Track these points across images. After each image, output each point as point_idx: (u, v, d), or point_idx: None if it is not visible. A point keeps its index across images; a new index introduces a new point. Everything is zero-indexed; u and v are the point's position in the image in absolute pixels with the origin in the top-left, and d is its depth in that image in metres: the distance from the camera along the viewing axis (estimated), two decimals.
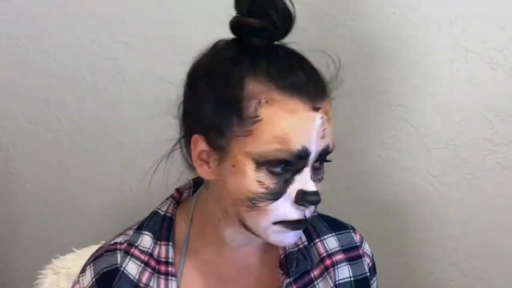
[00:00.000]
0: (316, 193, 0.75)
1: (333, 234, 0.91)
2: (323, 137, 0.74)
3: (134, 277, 0.82)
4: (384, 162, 1.28)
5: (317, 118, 0.73)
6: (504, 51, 1.16)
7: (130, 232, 0.86)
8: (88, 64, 1.37)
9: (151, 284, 0.81)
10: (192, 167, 0.81)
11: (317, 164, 0.76)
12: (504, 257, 1.28)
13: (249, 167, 0.73)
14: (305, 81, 0.74)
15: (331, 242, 0.90)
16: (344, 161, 1.29)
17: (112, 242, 0.85)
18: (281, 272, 0.86)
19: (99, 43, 1.35)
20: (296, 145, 0.72)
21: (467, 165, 1.24)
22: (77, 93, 1.40)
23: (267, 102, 0.72)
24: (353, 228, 0.94)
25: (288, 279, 0.85)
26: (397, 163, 1.27)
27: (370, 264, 0.92)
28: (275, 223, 0.76)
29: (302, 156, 0.73)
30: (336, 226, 0.92)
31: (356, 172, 1.30)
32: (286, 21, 0.76)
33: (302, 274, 0.86)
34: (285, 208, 0.75)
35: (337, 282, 0.88)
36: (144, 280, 0.81)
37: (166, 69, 1.31)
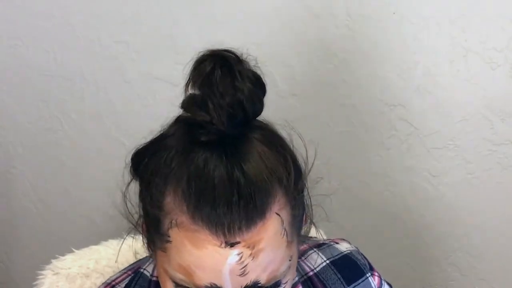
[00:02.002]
0: None
1: None
2: (243, 274, 0.60)
3: None
4: (384, 162, 1.28)
5: (231, 255, 0.59)
6: (504, 51, 1.16)
7: None
8: (88, 64, 1.37)
9: None
10: None
11: None
12: (504, 257, 1.28)
13: (169, 284, 0.64)
14: (222, 212, 0.58)
15: None
16: (344, 161, 1.29)
17: None
18: None
19: (99, 43, 1.35)
20: (202, 281, 0.60)
21: (467, 165, 1.24)
22: (77, 93, 1.40)
23: (176, 225, 0.60)
24: (370, 269, 0.83)
25: None
26: (397, 163, 1.27)
27: None
28: None
29: None
30: (351, 276, 0.81)
31: (356, 172, 1.30)
32: (231, 115, 0.59)
33: None
34: None
35: None
36: None
37: (166, 69, 1.31)
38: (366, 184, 1.30)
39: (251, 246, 0.60)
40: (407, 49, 1.20)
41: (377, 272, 0.84)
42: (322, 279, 0.81)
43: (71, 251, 1.01)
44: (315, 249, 0.83)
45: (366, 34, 1.21)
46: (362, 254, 0.85)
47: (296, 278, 0.80)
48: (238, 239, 0.59)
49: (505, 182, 1.23)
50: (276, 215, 0.61)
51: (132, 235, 1.02)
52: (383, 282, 0.85)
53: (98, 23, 1.34)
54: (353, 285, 0.81)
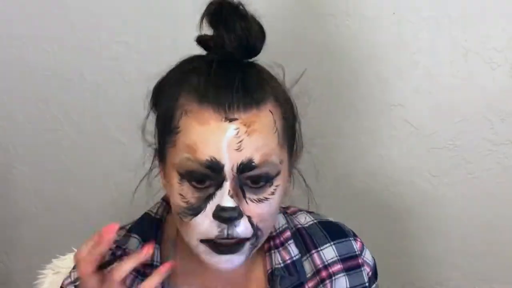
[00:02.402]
0: (233, 209, 0.71)
1: (332, 243, 0.89)
2: (238, 149, 0.71)
3: None
4: (384, 162, 1.28)
5: (229, 129, 0.71)
6: (504, 51, 1.16)
7: (122, 232, 0.85)
8: (88, 64, 1.37)
9: (133, 287, 0.79)
10: None
11: (248, 182, 0.73)
12: (504, 257, 1.28)
13: (175, 180, 0.74)
14: (224, 93, 0.72)
15: (329, 252, 0.88)
16: (344, 161, 1.29)
17: None
18: None
19: (99, 43, 1.35)
20: (204, 155, 0.71)
21: (467, 165, 1.24)
22: (77, 93, 1.39)
23: (186, 113, 0.73)
24: (354, 235, 0.91)
25: None
26: (397, 163, 1.27)
27: (370, 273, 0.90)
28: (202, 241, 0.74)
29: (213, 168, 0.71)
30: (335, 234, 0.90)
31: (356, 172, 1.30)
32: (241, 42, 0.74)
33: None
34: (206, 225, 0.73)
35: None
36: (127, 283, 0.77)
37: (166, 69, 1.31)
38: (366, 184, 1.30)
39: (247, 124, 0.71)
40: (407, 49, 1.20)
41: (360, 239, 0.91)
42: (309, 233, 0.89)
43: (72, 251, 1.02)
44: (304, 211, 0.92)
45: (366, 34, 1.21)
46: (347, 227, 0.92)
47: (286, 225, 0.88)
48: (236, 116, 0.71)
49: (505, 182, 1.23)
50: (269, 111, 0.74)
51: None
52: (365, 248, 0.91)
53: (98, 23, 1.34)
54: (337, 241, 0.89)
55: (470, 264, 1.30)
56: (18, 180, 1.51)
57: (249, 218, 0.73)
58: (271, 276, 0.85)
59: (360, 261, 0.89)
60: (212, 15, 0.75)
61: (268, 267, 0.85)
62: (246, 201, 0.73)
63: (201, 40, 0.78)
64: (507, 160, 1.22)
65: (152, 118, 0.82)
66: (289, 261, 0.85)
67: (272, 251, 0.86)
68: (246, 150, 0.71)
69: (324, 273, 0.87)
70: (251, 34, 0.74)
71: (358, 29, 1.21)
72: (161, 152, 0.78)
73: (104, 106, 1.39)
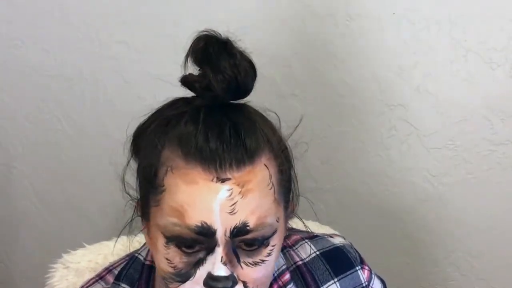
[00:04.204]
0: (227, 278, 0.64)
1: (336, 279, 0.81)
2: (232, 212, 0.63)
3: None
4: (384, 162, 1.28)
5: (222, 190, 0.62)
6: (504, 51, 1.16)
7: (110, 278, 0.80)
8: (88, 64, 1.37)
9: None
10: None
11: (242, 244, 0.65)
12: (504, 257, 1.28)
13: (160, 242, 0.66)
14: (214, 148, 0.63)
15: None
16: (344, 161, 1.29)
17: None
18: None
19: (99, 43, 1.35)
20: (193, 220, 0.62)
21: (467, 165, 1.24)
22: (77, 93, 1.40)
23: (171, 170, 0.64)
24: (361, 262, 0.84)
25: None
26: (397, 163, 1.27)
27: None
28: None
29: (204, 233, 0.63)
30: (340, 267, 0.82)
31: (356, 172, 1.30)
32: (230, 84, 0.65)
33: None
34: None
35: None
36: None
37: (166, 69, 1.31)
38: (366, 184, 1.30)
39: (240, 184, 0.63)
40: (407, 49, 1.20)
41: (368, 266, 0.84)
42: (310, 269, 0.82)
43: (82, 247, 1.02)
44: (307, 240, 0.84)
45: (366, 34, 1.21)
46: (354, 248, 0.86)
47: (284, 266, 0.81)
48: (229, 176, 0.63)
49: (505, 182, 1.23)
50: (264, 166, 0.65)
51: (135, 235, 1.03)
52: (373, 276, 0.85)
53: (98, 23, 1.34)
54: (341, 276, 0.82)
55: (470, 264, 1.30)
56: (18, 180, 1.51)
57: (245, 283, 0.66)
58: None
59: None
60: (198, 53, 0.67)
61: None
62: (241, 266, 0.66)
63: (186, 82, 0.69)
64: (507, 160, 1.22)
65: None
66: None
67: None
68: (240, 213, 0.63)
69: None
70: (240, 74, 0.65)
71: (358, 29, 1.21)
72: (144, 209, 0.70)
73: (104, 106, 1.39)
